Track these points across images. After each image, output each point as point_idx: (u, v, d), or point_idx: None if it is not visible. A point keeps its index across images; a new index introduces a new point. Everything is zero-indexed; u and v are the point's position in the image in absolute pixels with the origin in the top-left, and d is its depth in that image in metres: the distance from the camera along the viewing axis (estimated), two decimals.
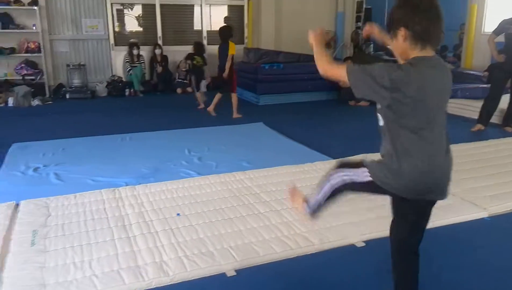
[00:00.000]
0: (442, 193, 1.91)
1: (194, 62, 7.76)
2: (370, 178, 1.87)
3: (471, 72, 8.77)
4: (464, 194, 3.61)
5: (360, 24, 12.83)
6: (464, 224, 3.19)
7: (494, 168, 4.30)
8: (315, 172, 4.14)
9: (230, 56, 6.76)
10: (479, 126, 6.01)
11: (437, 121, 1.79)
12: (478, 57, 9.45)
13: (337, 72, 1.80)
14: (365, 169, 1.89)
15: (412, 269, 2.06)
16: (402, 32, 1.72)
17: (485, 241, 2.97)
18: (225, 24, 7.17)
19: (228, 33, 6.93)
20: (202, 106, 7.70)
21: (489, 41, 5.88)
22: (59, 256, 2.65)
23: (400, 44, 1.77)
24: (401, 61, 1.83)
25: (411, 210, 1.92)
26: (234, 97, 7.04)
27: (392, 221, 2.04)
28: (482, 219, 3.28)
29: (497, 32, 5.84)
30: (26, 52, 8.81)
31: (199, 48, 8.11)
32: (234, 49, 6.80)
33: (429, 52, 1.75)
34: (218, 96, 7.15)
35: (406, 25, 1.71)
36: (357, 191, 2.06)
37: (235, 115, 7.00)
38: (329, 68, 1.84)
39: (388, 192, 1.87)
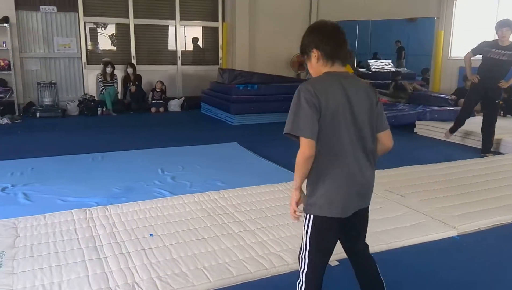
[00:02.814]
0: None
1: None
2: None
3: (439, 95, 9.05)
4: (433, 213, 3.69)
5: None
6: (434, 242, 3.26)
7: (463, 188, 4.42)
8: (289, 192, 4.16)
9: None
10: (448, 134, 6.50)
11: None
12: (445, 81, 9.79)
13: (301, 152, 1.85)
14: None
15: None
16: (314, 54, 1.92)
17: (455, 259, 3.03)
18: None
19: None
20: None
21: (466, 59, 5.87)
22: (28, 278, 2.57)
23: (315, 65, 1.95)
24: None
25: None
26: None
27: None
28: (452, 237, 3.35)
29: (475, 51, 5.80)
30: None
31: None
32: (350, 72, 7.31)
33: (337, 69, 1.93)
34: None
35: (317, 47, 1.91)
36: (323, 253, 1.99)
37: None
38: (301, 161, 1.88)
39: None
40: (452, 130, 6.46)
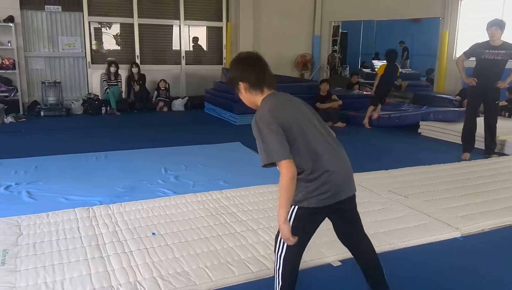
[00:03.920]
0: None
1: None
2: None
3: (444, 95, 9.02)
4: (437, 214, 3.68)
5: (336, 47, 13.15)
6: (437, 243, 3.24)
7: (466, 189, 4.40)
8: None
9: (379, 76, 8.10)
10: (465, 155, 5.85)
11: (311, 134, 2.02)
12: (450, 81, 9.76)
13: (284, 174, 1.90)
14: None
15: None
16: (242, 86, 2.06)
17: (458, 260, 3.02)
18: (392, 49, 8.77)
19: (390, 56, 8.24)
20: None
21: (458, 63, 5.83)
22: (30, 276, 2.58)
23: (245, 96, 2.10)
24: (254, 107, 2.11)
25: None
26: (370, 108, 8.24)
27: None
28: (455, 238, 3.33)
29: (467, 54, 5.76)
30: (1, 68, 8.69)
31: None
32: (382, 70, 8.12)
33: (269, 92, 2.08)
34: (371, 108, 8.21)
35: (242, 80, 2.06)
36: (303, 239, 2.06)
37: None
38: (287, 184, 1.91)
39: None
40: (467, 149, 5.93)
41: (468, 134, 5.91)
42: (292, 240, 1.96)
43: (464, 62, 5.81)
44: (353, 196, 2.13)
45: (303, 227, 2.03)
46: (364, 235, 2.26)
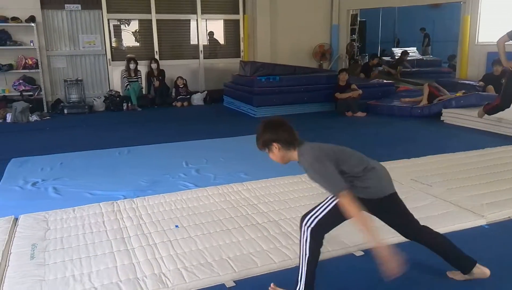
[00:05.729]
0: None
1: None
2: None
3: (466, 81, 8.84)
4: (462, 202, 3.62)
5: (354, 36, 13.00)
6: (462, 232, 3.20)
7: (491, 176, 4.32)
8: (312, 182, 4.14)
9: None
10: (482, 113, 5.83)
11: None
12: (472, 67, 9.56)
13: (346, 204, 2.10)
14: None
15: None
16: (275, 146, 2.25)
17: (484, 248, 2.97)
18: None
19: None
20: None
21: (499, 44, 5.43)
22: (59, 269, 2.65)
23: (278, 154, 2.30)
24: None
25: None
26: None
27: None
28: (481, 226, 3.29)
29: (510, 35, 5.38)
30: (24, 68, 8.87)
31: None
32: None
33: (300, 145, 2.28)
34: None
35: (275, 140, 2.24)
36: (332, 222, 2.27)
37: None
38: (353, 212, 2.10)
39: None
40: (488, 111, 5.91)
41: (497, 110, 5.80)
42: (400, 267, 2.06)
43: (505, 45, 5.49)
44: (395, 193, 2.34)
45: (340, 217, 2.17)
46: (415, 222, 2.45)
